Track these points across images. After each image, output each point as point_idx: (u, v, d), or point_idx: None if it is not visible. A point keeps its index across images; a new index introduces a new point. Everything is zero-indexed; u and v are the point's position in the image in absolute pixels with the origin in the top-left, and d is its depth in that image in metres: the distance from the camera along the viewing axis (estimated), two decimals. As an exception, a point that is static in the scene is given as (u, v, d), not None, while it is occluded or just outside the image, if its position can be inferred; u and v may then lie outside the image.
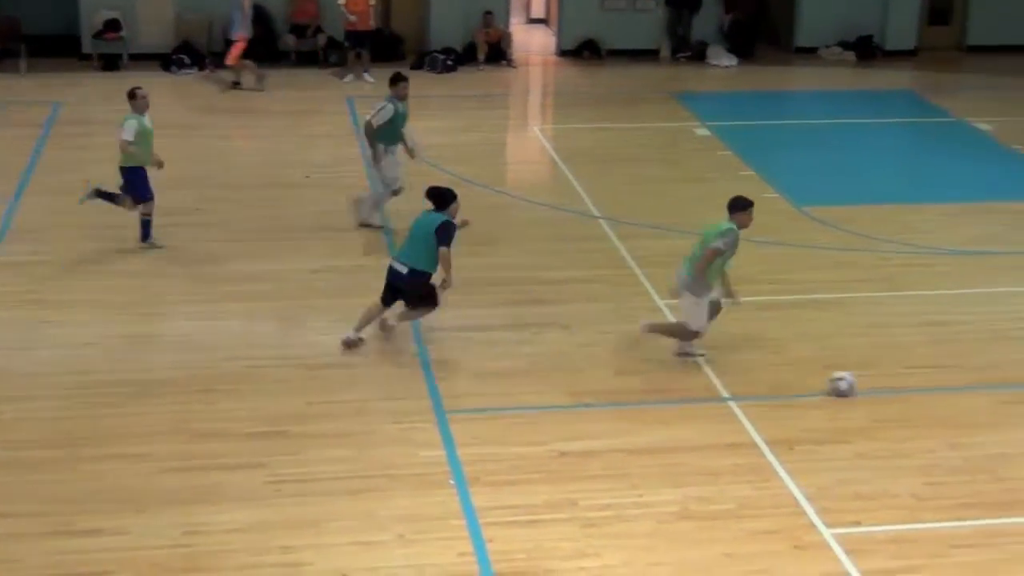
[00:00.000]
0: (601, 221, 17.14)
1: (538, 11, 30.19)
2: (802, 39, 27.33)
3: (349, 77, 24.15)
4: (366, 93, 22.63)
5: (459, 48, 25.84)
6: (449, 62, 25.32)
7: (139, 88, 15.92)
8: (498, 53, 25.97)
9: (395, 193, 16.55)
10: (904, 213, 17.73)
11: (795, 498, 10.74)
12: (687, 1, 26.66)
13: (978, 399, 12.58)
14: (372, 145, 16.35)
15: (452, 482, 10.87)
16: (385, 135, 16.27)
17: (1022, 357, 13.48)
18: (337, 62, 24.90)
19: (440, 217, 13.01)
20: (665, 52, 26.82)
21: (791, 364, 13.21)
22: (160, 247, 15.74)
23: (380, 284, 13.27)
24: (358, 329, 13.33)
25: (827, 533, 10.27)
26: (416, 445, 11.45)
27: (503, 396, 12.40)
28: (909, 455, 11.49)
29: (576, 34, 26.79)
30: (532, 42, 28.04)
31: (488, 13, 25.97)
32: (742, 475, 11.07)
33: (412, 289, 13.18)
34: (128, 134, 15.55)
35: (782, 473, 11.11)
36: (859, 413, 12.20)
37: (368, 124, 16.32)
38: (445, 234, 12.90)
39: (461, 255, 13.93)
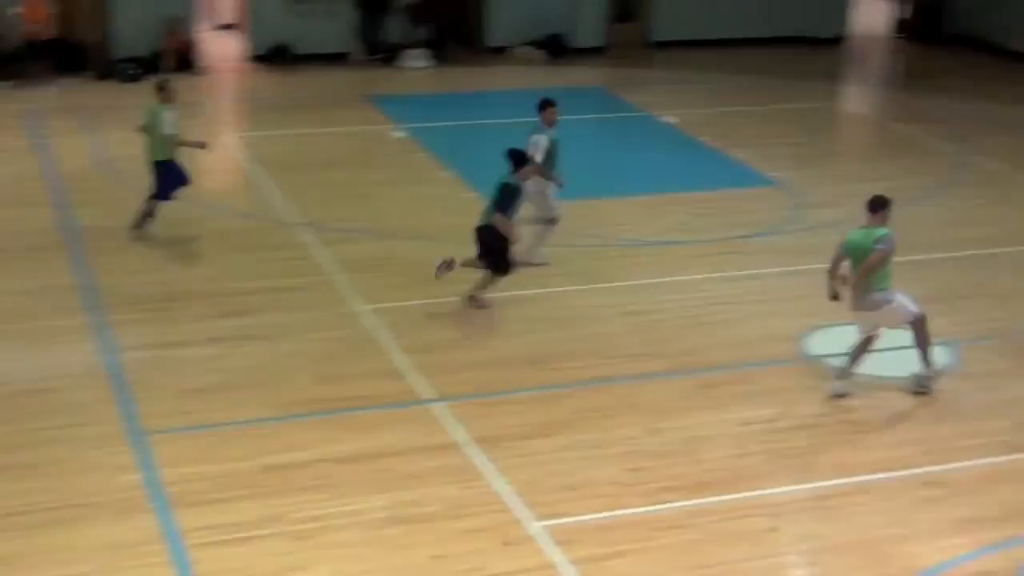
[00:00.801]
0: (300, 228, 16.95)
1: (227, 16, 29.68)
2: (493, 39, 27.65)
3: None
4: (50, 106, 21.84)
5: (145, 56, 25.16)
6: (131, 72, 24.57)
7: (168, 79, 16.32)
8: (186, 61, 25.42)
9: (555, 222, 15.82)
10: (598, 207, 18.08)
11: (503, 495, 10.80)
12: (377, 3, 26.63)
13: (676, 384, 12.90)
14: (549, 178, 15.46)
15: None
16: (547, 166, 15.44)
17: (715, 342, 13.90)
18: (16, 74, 23.94)
19: (508, 179, 14.19)
20: (357, 55, 26.74)
21: (493, 362, 13.30)
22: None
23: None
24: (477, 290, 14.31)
25: (536, 526, 10.36)
26: (115, 470, 11.04)
27: (205, 413, 12.09)
28: (612, 443, 11.70)
29: (266, 39, 26.47)
30: (222, 48, 27.55)
31: (174, 19, 25.38)
32: (449, 476, 11.07)
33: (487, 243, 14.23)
34: (170, 127, 15.86)
35: (489, 471, 11.15)
36: (563, 406, 12.36)
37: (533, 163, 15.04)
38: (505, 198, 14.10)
39: (155, 271, 13.56)
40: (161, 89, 16.11)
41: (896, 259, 16.30)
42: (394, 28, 26.92)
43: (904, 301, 12.70)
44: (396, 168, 19.82)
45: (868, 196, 12.85)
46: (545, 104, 15.73)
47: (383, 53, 26.62)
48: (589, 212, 17.79)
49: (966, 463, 11.58)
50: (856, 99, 26.94)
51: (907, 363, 13.40)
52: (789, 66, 27.24)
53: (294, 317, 14.23)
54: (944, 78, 27.46)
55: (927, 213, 18.14)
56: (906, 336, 13.44)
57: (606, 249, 16.44)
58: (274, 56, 26.33)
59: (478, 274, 14.51)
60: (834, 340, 13.93)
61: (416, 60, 26.42)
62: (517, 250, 14.57)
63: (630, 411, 12.32)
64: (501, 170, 14.36)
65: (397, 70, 26.26)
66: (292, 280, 15.23)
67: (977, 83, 26.48)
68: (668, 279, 15.53)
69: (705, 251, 16.49)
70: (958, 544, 10.33)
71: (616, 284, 15.36)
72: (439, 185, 18.99)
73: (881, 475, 11.35)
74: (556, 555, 10.01)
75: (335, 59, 26.46)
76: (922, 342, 12.73)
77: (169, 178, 16.16)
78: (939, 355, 13.30)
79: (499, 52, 27.43)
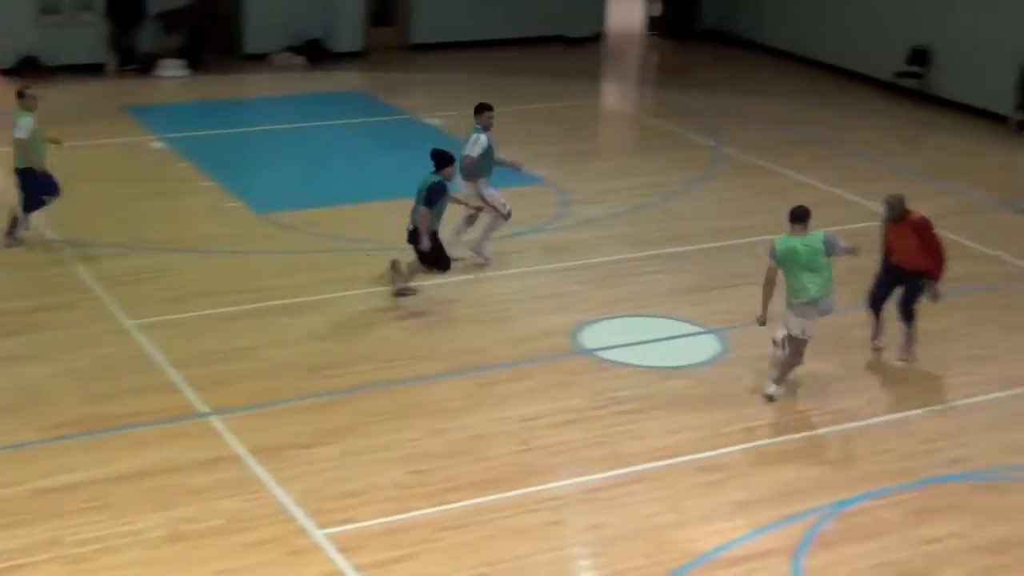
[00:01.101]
0: (61, 244, 16.44)
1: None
2: (251, 46, 27.28)
3: None
4: None
5: None
6: None
7: (29, 87, 15.85)
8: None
9: (508, 216, 16.16)
10: (369, 212, 18.01)
11: (285, 505, 10.67)
12: (128, 12, 26.01)
13: (456, 384, 12.94)
14: (471, 178, 15.81)
15: None
16: (485, 165, 15.93)
17: (492, 340, 13.99)
18: None
19: (432, 178, 14.51)
20: (112, 65, 26.08)
21: (270, 371, 13.14)
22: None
23: None
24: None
25: (319, 535, 10.27)
26: None
27: (-30, 438, 11.66)
28: (394, 447, 11.67)
29: (13, 50, 25.54)
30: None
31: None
32: (230, 489, 10.89)
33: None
34: (23, 132, 15.64)
35: (270, 482, 11.01)
36: (343, 412, 12.29)
37: (467, 157, 15.77)
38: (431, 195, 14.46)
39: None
40: (20, 96, 15.96)
41: (661, 251, 16.77)
42: (147, 37, 26.33)
43: None
44: (157, 179, 19.40)
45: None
46: (482, 108, 16.24)
47: (138, 63, 26.02)
48: (359, 216, 17.73)
49: (739, 447, 11.91)
50: (615, 96, 27.44)
51: (679, 353, 13.75)
52: (549, 65, 27.58)
53: (60, 336, 13.81)
54: (698, 73, 28.18)
55: (688, 206, 18.60)
56: (678, 327, 13.84)
57: (378, 253, 16.37)
58: (23, 68, 25.44)
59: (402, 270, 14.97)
60: (606, 333, 14.19)
61: (172, 69, 25.90)
62: (427, 246, 14.74)
63: (411, 413, 12.31)
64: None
65: (154, 80, 25.68)
66: (56, 298, 14.78)
67: (730, 77, 27.24)
68: (441, 281, 15.53)
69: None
70: (735, 526, 10.62)
71: (388, 288, 15.30)
72: (201, 195, 18.66)
73: (658, 463, 11.59)
74: (342, 562, 9.95)
75: (90, 70, 25.74)
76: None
77: (32, 186, 16.00)
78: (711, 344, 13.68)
79: (258, 59, 27.09)
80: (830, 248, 12.64)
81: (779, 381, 12.87)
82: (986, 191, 19.60)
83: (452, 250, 15.60)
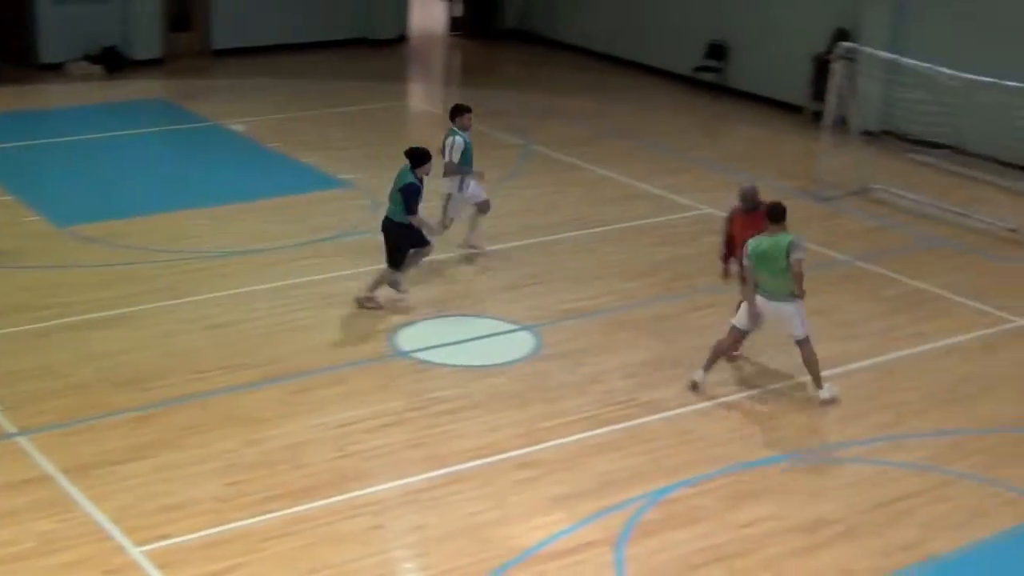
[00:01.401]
0: None
1: None
2: (46, 55, 26.57)
3: None
4: None
5: None
6: None
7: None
8: None
9: (486, 209, 16.77)
10: (174, 221, 17.69)
11: (100, 523, 10.42)
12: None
13: (270, 393, 12.79)
14: (454, 173, 16.35)
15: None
16: (464, 163, 16.40)
17: (305, 346, 13.86)
18: None
19: (407, 177, 14.70)
20: (-101, 79, 25.19)
21: (79, 388, 12.80)
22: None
23: None
24: (372, 288, 14.80)
25: (136, 552, 10.04)
26: None
27: None
28: (210, 459, 11.48)
29: None
30: None
31: None
32: (41, 511, 10.58)
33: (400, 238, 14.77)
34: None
35: (83, 501, 10.74)
36: (156, 426, 12.04)
37: (449, 163, 16.28)
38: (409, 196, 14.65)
39: None
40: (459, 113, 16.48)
41: (481, 250, 16.81)
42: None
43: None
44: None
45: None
46: (459, 109, 16.67)
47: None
48: (167, 226, 17.40)
49: (557, 441, 12.01)
50: (421, 98, 27.46)
51: (495, 351, 13.82)
52: (353, 68, 27.46)
53: None
54: (502, 72, 28.36)
55: (497, 204, 18.63)
56: (492, 325, 13.90)
57: (186, 263, 16.11)
58: None
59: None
60: (421, 335, 14.19)
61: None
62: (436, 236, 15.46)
63: (226, 424, 12.13)
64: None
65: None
66: None
67: (533, 76, 27.48)
68: (252, 288, 15.37)
69: (285, 257, 16.42)
70: (557, 520, 10.71)
71: (200, 297, 15.07)
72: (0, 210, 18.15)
73: (477, 462, 11.62)
74: (162, 578, 9.78)
75: None
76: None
77: None
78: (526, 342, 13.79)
79: (54, 69, 26.40)
80: (791, 251, 12.52)
81: (707, 368, 13.07)
82: (785, 179, 20.10)
83: (483, 245, 16.68)
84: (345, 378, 13.16)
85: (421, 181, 14.80)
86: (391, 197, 14.90)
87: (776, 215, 12.72)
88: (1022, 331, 14.86)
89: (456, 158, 16.33)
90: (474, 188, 16.65)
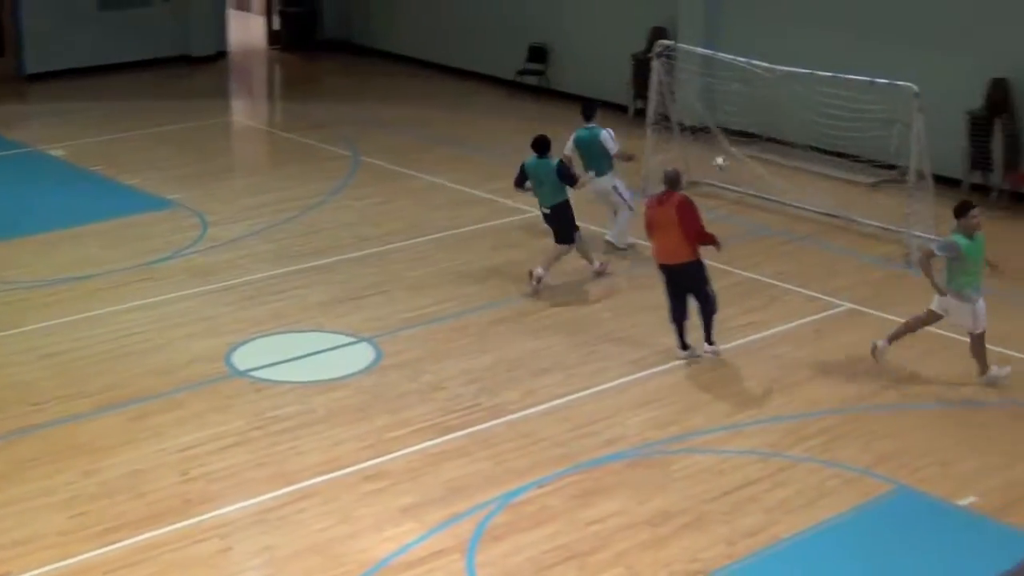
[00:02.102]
0: None
1: None
2: None
3: None
4: None
5: None
6: None
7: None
8: None
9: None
10: (-5, 251, 17.28)
11: (-62, 566, 10.14)
12: None
13: (108, 421, 12.55)
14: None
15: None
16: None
17: (141, 372, 13.63)
18: None
19: (553, 161, 16.01)
20: None
21: (-94, 428, 12.44)
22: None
23: None
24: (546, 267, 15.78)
25: (-21, 594, 9.81)
26: None
27: None
28: (51, 492, 11.22)
29: None
30: None
31: None
32: None
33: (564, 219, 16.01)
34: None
35: (-81, 544, 10.44)
36: (-5, 461, 11.76)
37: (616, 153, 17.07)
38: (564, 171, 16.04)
39: None
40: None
41: (305, 265, 16.71)
42: None
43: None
44: None
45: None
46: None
47: None
48: (-13, 257, 16.98)
49: (403, 451, 11.99)
50: (245, 113, 27.16)
51: (335, 365, 13.76)
52: (173, 87, 27.06)
53: None
54: (325, 84, 28.22)
55: (329, 217, 18.60)
56: (330, 339, 13.86)
57: (12, 293, 15.74)
58: None
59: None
60: (258, 353, 14.05)
61: None
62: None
63: (66, 455, 11.86)
64: None
65: None
66: None
67: (357, 86, 27.39)
68: (82, 315, 15.05)
69: (115, 281, 16.12)
70: (407, 531, 10.70)
71: (29, 328, 14.72)
72: None
73: (323, 477, 11.55)
74: (7, 618, 9.53)
75: None
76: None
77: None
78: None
79: None
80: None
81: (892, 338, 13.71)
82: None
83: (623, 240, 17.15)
84: (183, 402, 12.96)
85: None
86: (539, 192, 16.13)
87: (955, 212, 13.16)
88: (850, 315, 15.26)
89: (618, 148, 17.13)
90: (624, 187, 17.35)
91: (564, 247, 16.01)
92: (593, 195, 17.29)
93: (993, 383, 13.32)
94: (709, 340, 14.03)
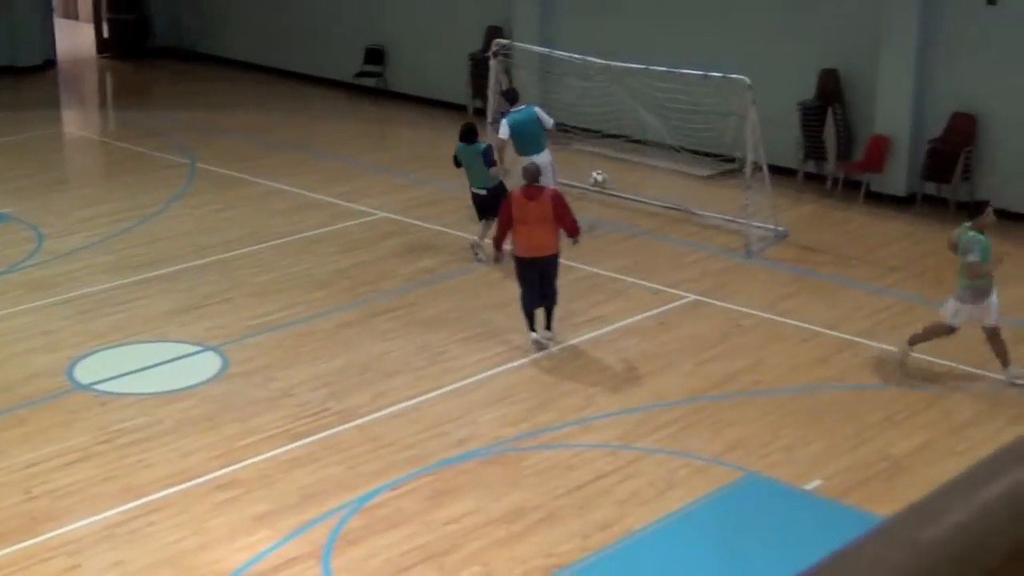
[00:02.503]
0: None
1: None
2: None
3: None
4: None
5: None
6: None
7: None
8: None
9: None
10: None
11: None
12: None
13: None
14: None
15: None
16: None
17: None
18: None
19: (480, 145, 16.69)
20: None
21: None
22: None
23: None
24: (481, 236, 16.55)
25: None
26: None
27: None
28: None
29: None
30: None
31: None
32: None
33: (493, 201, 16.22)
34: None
35: None
36: None
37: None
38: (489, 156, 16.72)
39: None
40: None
41: (144, 275, 16.41)
42: None
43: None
44: None
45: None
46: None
47: None
48: None
49: (254, 459, 11.84)
50: (76, 123, 26.63)
51: (180, 375, 13.55)
52: (1, 98, 26.40)
53: None
54: (159, 92, 27.83)
55: (168, 226, 18.31)
56: (174, 349, 13.64)
57: None
58: None
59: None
60: (100, 366, 13.77)
61: None
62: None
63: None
64: None
65: None
66: None
67: (193, 93, 27.03)
68: (-86, 334, 14.62)
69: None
70: (260, 539, 10.56)
71: None
72: None
73: (173, 489, 11.36)
74: None
75: None
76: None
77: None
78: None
79: None
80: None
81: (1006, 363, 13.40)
82: (453, 179, 20.39)
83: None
84: (25, 419, 12.63)
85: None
86: (469, 174, 16.81)
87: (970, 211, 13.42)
88: (693, 306, 15.48)
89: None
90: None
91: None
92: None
93: (1014, 379, 13.34)
94: (549, 327, 14.31)
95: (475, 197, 16.89)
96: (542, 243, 13.99)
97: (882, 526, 1.71)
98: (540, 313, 14.24)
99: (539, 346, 14.11)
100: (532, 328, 14.24)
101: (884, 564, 1.63)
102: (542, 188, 14.22)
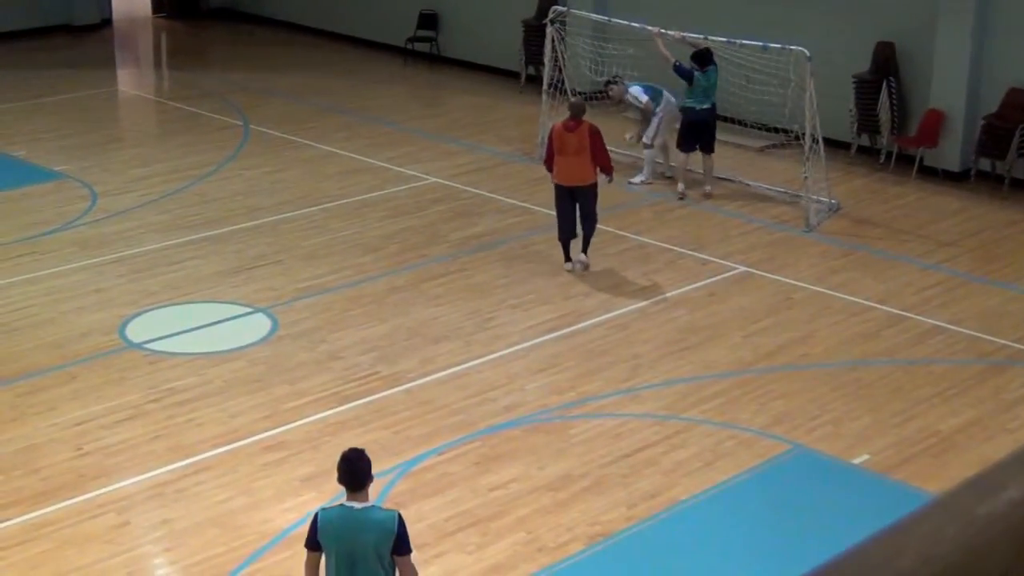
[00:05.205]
0: None
1: None
2: None
3: None
4: None
5: None
6: None
7: None
8: None
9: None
10: None
11: None
12: None
13: (-3, 397, 12.34)
14: None
15: None
16: None
17: (32, 346, 13.37)
18: None
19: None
20: None
21: None
22: None
23: None
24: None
25: None
26: None
27: None
28: (-62, 471, 11.02)
29: None
30: None
31: None
32: None
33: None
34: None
35: None
36: None
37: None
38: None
39: None
40: None
41: (197, 236, 16.49)
42: None
43: None
44: None
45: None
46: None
47: None
48: None
49: (301, 421, 11.91)
50: (131, 83, 26.72)
51: (230, 336, 13.62)
52: (57, 56, 26.54)
53: None
54: (213, 53, 27.90)
55: (220, 187, 18.38)
56: (225, 310, 13.68)
57: None
58: None
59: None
60: (152, 325, 13.88)
61: None
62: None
63: (-47, 433, 11.64)
64: None
65: None
66: None
67: (246, 55, 27.06)
68: (-32, 289, 14.77)
69: (1, 255, 15.80)
70: (306, 500, 10.61)
71: (-88, 303, 14.41)
72: None
73: (221, 449, 11.45)
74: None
75: None
76: None
77: None
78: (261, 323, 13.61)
79: None
80: None
81: None
82: (505, 145, 20.37)
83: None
84: (76, 375, 12.76)
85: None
86: (708, 93, 17.84)
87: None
88: (743, 277, 15.41)
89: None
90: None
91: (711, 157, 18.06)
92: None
93: None
94: (585, 251, 15.25)
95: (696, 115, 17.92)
96: (579, 172, 14.95)
97: (939, 500, 1.69)
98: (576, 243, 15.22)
99: (574, 269, 15.07)
100: (568, 258, 15.17)
101: (940, 537, 1.62)
102: (581, 122, 14.97)
